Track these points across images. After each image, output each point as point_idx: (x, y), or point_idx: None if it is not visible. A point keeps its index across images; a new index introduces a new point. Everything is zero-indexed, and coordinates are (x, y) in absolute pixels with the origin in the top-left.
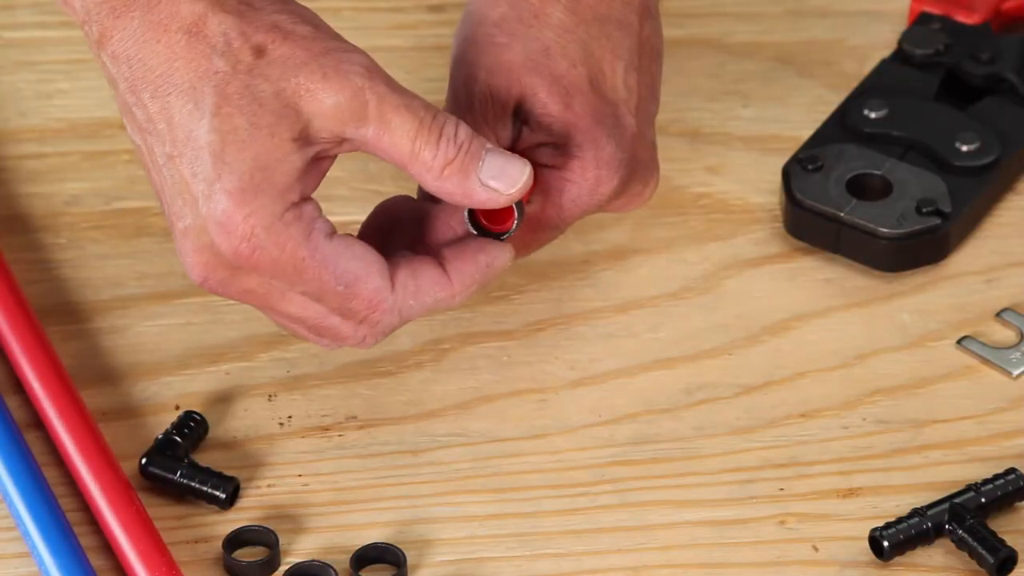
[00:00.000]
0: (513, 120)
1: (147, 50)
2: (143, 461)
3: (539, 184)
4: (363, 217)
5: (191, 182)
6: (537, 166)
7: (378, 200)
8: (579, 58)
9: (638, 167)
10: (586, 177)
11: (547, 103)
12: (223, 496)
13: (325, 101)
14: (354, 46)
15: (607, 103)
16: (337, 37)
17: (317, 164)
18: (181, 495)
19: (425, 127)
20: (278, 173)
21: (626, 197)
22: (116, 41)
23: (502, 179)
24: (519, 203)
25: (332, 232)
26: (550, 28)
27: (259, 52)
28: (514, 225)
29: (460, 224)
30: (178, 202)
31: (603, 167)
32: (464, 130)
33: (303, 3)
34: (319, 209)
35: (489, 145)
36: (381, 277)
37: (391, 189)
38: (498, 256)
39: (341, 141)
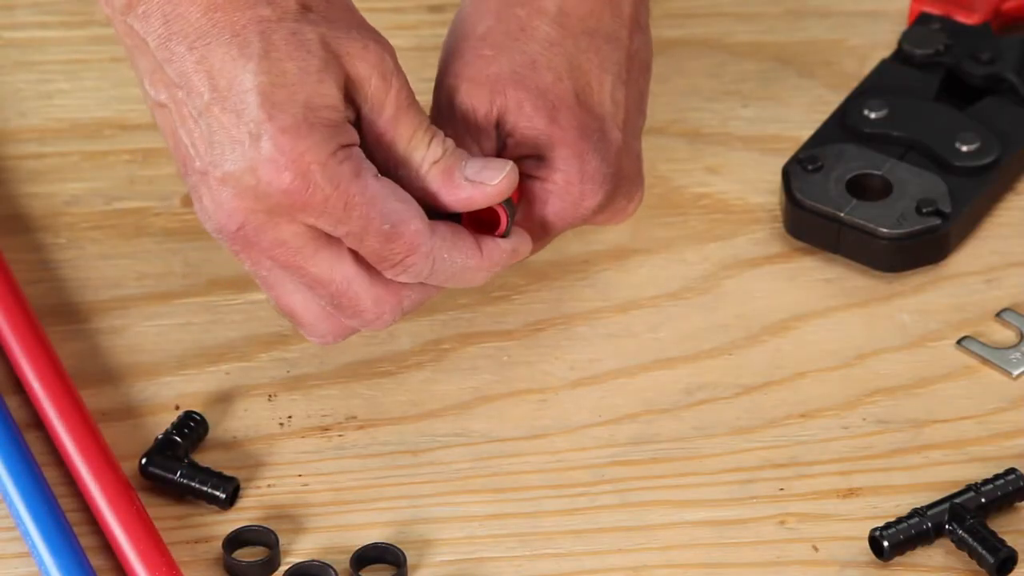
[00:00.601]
0: (497, 133)
1: (184, 5)
2: (143, 461)
3: (524, 196)
4: None
5: (234, 126)
6: (522, 179)
7: None
8: (565, 72)
9: (623, 182)
10: (571, 191)
11: (532, 116)
12: (223, 496)
13: (360, 69)
14: None
15: (593, 117)
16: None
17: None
18: (181, 495)
19: (423, 128)
20: (329, 114)
21: (610, 211)
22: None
23: (485, 173)
24: (510, 210)
25: (377, 174)
26: (536, 42)
27: (305, 7)
28: (504, 233)
29: None
30: (216, 151)
31: (588, 181)
32: (450, 140)
33: None
34: (363, 153)
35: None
36: (422, 221)
37: None
38: (522, 244)
39: (355, 117)
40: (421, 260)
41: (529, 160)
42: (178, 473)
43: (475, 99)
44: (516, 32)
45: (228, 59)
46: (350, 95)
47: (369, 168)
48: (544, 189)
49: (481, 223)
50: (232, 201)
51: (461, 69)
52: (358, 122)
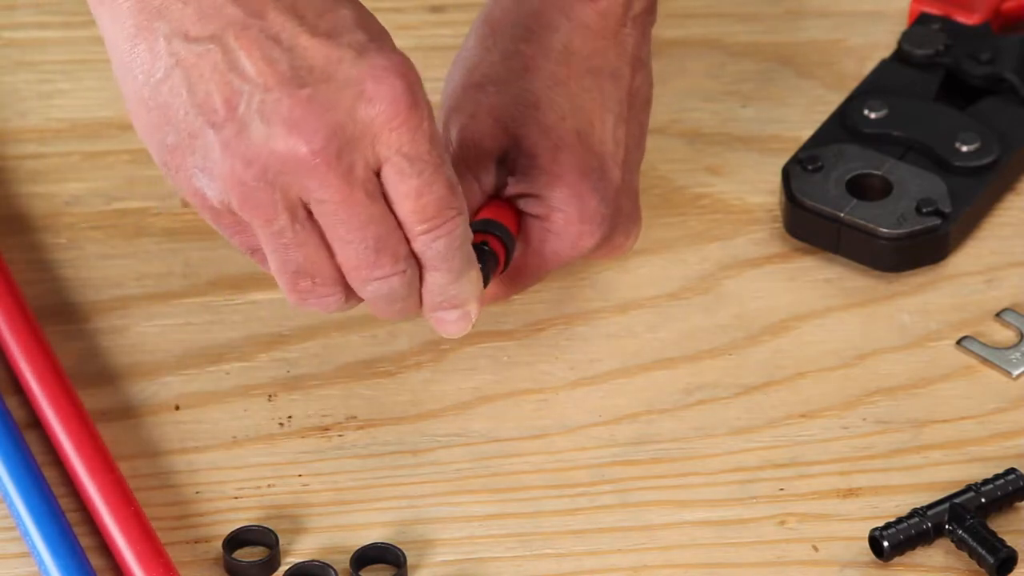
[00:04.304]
0: (498, 168)
1: None
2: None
3: (522, 233)
4: None
5: (330, 47)
6: (521, 216)
7: None
8: (568, 111)
9: (621, 219)
10: (569, 231)
11: (533, 155)
12: None
13: None
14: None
15: (594, 156)
16: None
17: None
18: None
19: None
20: None
21: (607, 248)
22: None
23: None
24: (509, 247)
25: None
26: (540, 80)
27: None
28: (500, 270)
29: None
30: (301, 74)
31: (586, 222)
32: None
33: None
34: None
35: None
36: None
37: None
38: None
39: None
40: (461, 226)
41: (528, 198)
42: None
43: (477, 135)
44: (520, 71)
45: None
46: None
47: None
48: (542, 227)
49: None
50: (317, 119)
51: (464, 104)
52: None
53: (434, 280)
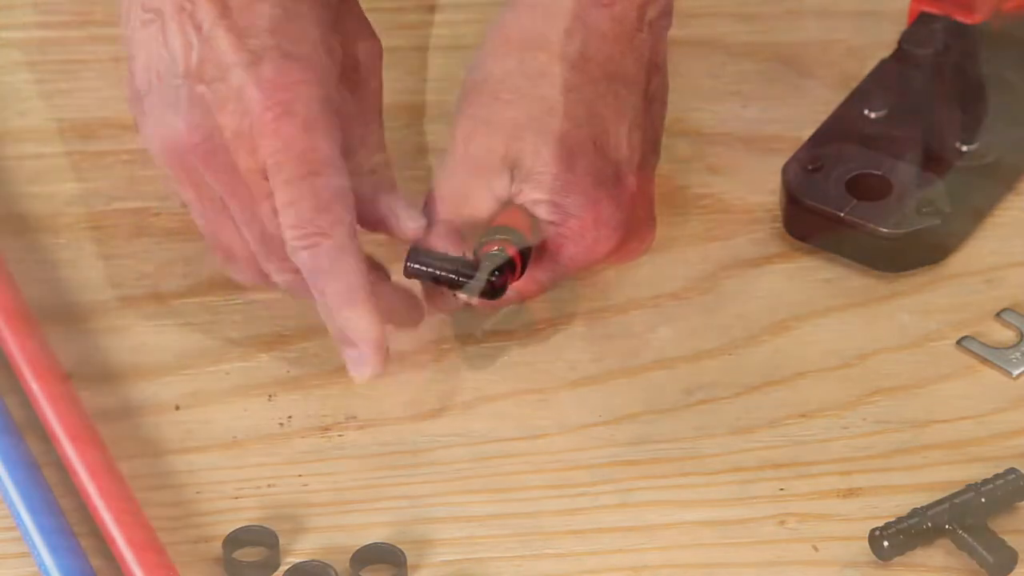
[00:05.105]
0: (512, 175)
1: None
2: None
3: (537, 239)
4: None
5: (234, 48)
6: (536, 223)
7: None
8: (584, 118)
9: (636, 224)
10: (584, 237)
11: (549, 162)
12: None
13: (362, 50)
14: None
15: (609, 163)
16: None
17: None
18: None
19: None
20: (329, 59)
21: (622, 252)
22: None
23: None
24: (524, 254)
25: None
26: (556, 87)
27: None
28: (516, 276)
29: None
30: (206, 67)
31: (602, 227)
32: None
33: None
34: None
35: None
36: (352, 215)
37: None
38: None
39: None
40: (325, 249)
41: (543, 204)
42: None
43: (492, 142)
44: (536, 77)
45: None
46: (348, 67)
47: (337, 136)
48: (558, 233)
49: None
50: (201, 117)
51: (479, 111)
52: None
53: (320, 303)
